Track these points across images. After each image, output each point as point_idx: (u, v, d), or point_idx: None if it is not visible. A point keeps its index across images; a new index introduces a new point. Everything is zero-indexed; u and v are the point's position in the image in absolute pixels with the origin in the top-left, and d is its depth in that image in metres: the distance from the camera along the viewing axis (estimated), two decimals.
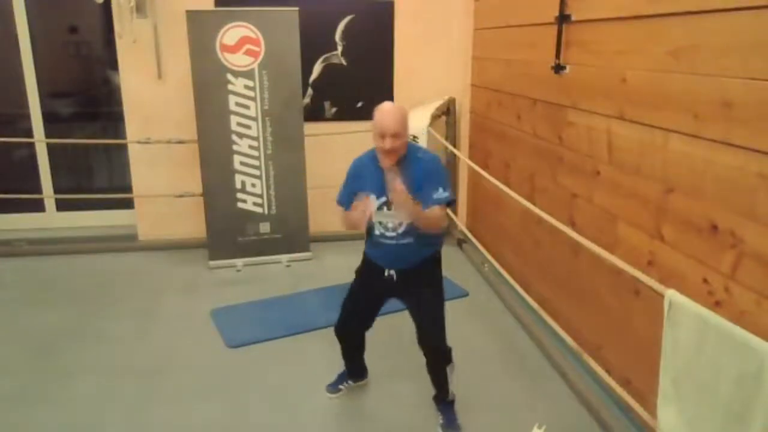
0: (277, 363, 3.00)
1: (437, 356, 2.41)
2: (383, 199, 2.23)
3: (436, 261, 2.45)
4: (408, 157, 2.24)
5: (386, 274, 2.38)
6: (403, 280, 2.38)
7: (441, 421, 2.50)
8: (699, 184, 2.06)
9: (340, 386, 2.75)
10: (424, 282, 2.40)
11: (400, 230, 2.28)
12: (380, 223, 2.30)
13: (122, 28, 4.14)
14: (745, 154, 1.84)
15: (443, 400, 2.52)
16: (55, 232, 4.69)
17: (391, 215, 2.25)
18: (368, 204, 2.13)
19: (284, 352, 3.11)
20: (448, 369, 2.44)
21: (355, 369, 2.76)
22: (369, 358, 2.83)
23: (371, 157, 2.30)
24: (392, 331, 3.04)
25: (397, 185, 2.02)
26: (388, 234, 2.30)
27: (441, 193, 2.19)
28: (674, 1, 2.15)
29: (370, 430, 2.55)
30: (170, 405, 2.66)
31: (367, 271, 2.47)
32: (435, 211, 2.18)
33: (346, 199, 2.31)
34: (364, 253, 2.49)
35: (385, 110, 2.16)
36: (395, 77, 4.62)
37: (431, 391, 2.56)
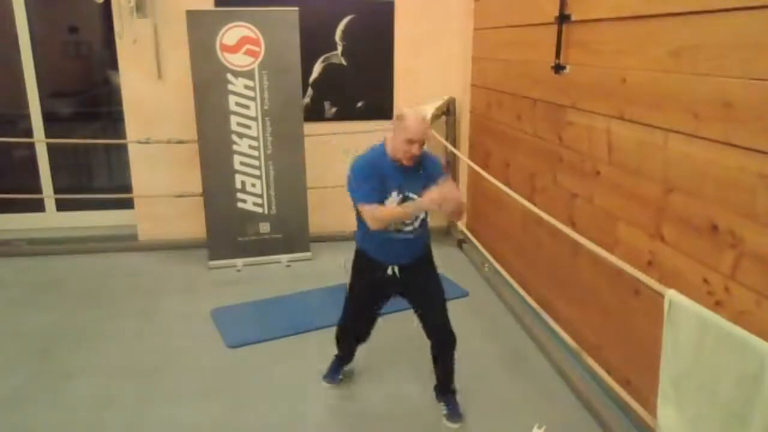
0: (277, 363, 3.00)
1: (450, 341, 2.48)
2: (401, 195, 2.32)
3: (429, 251, 2.56)
4: (425, 160, 2.39)
5: (390, 271, 2.43)
6: (405, 274, 2.45)
7: (445, 411, 2.54)
8: (699, 184, 2.06)
9: (340, 376, 2.80)
10: (428, 271, 2.50)
11: (417, 224, 2.39)
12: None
13: (122, 28, 4.14)
14: (745, 154, 1.84)
15: (448, 390, 2.56)
16: (55, 232, 4.69)
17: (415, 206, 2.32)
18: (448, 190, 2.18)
19: (284, 352, 3.11)
20: (455, 355, 2.51)
21: (350, 356, 2.82)
22: (369, 358, 2.83)
23: (382, 155, 2.35)
24: (393, 331, 3.04)
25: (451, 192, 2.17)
26: (407, 229, 2.38)
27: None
28: (674, 1, 2.15)
29: (371, 430, 2.55)
30: (170, 405, 2.66)
31: (369, 270, 2.48)
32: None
33: (374, 196, 2.29)
34: (362, 252, 2.50)
35: (415, 119, 2.26)
36: (395, 77, 4.62)
37: (432, 390, 2.56)
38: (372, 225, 2.26)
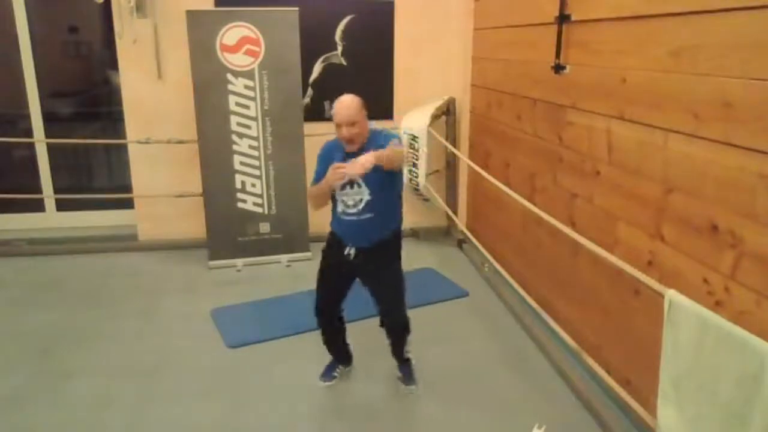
0: (277, 363, 3.00)
1: (399, 332, 2.67)
2: (346, 179, 2.37)
3: (394, 241, 2.61)
4: (372, 141, 2.44)
5: (346, 251, 2.53)
6: (362, 259, 2.52)
7: (398, 375, 2.79)
8: (699, 184, 2.06)
9: (334, 373, 2.84)
10: (382, 264, 2.57)
11: (360, 206, 2.45)
12: (342, 200, 2.48)
13: (122, 28, 4.14)
14: (745, 154, 1.84)
15: (401, 360, 2.78)
16: (55, 232, 4.69)
17: (353, 193, 2.45)
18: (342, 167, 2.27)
19: (284, 352, 3.11)
20: (408, 338, 2.70)
21: (341, 356, 2.86)
22: (368, 358, 2.83)
23: (337, 143, 2.51)
24: None
25: (360, 159, 2.23)
26: (349, 211, 2.48)
27: (395, 141, 2.45)
28: (674, 1, 2.15)
29: (371, 430, 2.55)
30: (170, 405, 2.66)
31: (330, 247, 2.63)
32: (391, 146, 2.37)
33: (321, 177, 2.46)
34: (331, 232, 2.63)
35: (340, 102, 2.41)
36: (395, 77, 4.62)
37: (432, 390, 2.58)
38: (309, 203, 2.48)
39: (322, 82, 4.51)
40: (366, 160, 2.20)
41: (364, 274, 2.60)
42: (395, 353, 2.76)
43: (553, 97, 3.13)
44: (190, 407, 2.65)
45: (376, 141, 2.44)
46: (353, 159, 2.28)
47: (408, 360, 2.79)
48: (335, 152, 2.49)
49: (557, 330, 2.84)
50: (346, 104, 2.39)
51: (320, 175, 2.46)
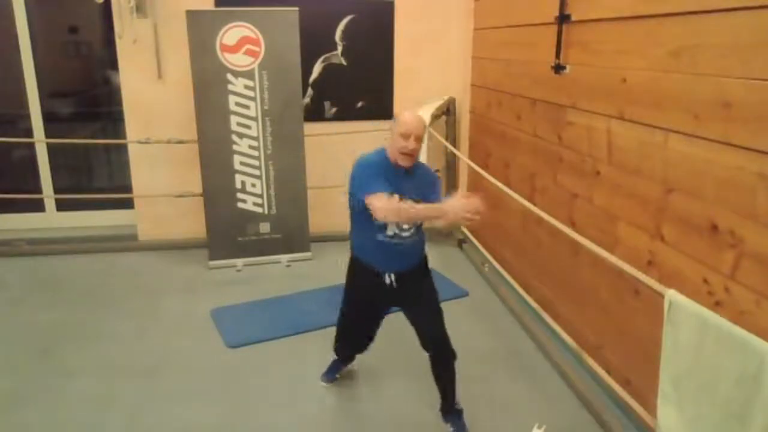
0: (277, 363, 3.00)
1: (448, 355, 2.39)
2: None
3: (426, 259, 2.49)
4: (416, 165, 2.34)
5: (387, 279, 2.34)
6: (401, 283, 2.36)
7: (452, 430, 2.46)
8: (699, 184, 2.06)
9: (337, 375, 2.81)
10: (424, 281, 2.43)
11: (413, 228, 2.31)
12: (396, 223, 2.27)
13: (122, 28, 4.14)
14: (745, 154, 1.84)
15: (452, 410, 2.47)
16: (55, 232, 4.68)
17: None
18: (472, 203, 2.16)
19: (284, 352, 3.11)
20: (455, 366, 2.41)
21: (349, 358, 2.83)
22: (369, 358, 2.83)
23: (384, 158, 2.28)
24: (392, 331, 3.03)
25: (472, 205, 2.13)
26: (404, 234, 2.29)
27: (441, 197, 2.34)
28: (674, 1, 2.15)
29: (370, 430, 2.55)
30: (170, 405, 2.66)
31: (359, 276, 2.44)
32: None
33: (385, 188, 2.19)
34: (356, 259, 2.43)
35: (411, 114, 2.27)
36: (395, 77, 4.62)
37: (432, 391, 2.56)
38: (383, 215, 2.12)
39: (322, 82, 4.51)
40: (476, 208, 2.11)
41: (405, 301, 2.42)
42: (445, 396, 2.45)
43: (553, 97, 3.13)
44: (190, 407, 2.64)
45: (418, 167, 2.34)
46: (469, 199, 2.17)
47: (461, 411, 2.47)
48: (385, 171, 2.24)
49: (557, 330, 2.84)
50: (416, 118, 2.25)
51: (381, 187, 2.16)
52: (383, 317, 2.56)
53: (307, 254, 4.34)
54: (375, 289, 2.38)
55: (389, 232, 2.28)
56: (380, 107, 4.62)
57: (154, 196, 4.48)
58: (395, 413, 2.64)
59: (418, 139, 2.23)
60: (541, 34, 3.19)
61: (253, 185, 4.20)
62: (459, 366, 2.50)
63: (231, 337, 3.23)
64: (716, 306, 1.96)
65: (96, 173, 5.17)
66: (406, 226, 2.28)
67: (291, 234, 4.31)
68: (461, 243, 4.63)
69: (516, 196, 3.18)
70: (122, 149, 4.58)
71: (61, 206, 4.76)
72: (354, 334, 2.62)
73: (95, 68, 4.82)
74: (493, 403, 2.69)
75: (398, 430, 2.55)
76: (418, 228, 2.34)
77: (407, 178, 2.27)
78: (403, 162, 2.23)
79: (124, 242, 4.58)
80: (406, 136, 2.20)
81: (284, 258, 4.30)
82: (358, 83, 4.57)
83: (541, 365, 2.99)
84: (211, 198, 4.17)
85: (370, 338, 2.66)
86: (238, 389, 2.78)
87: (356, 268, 2.44)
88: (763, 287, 1.79)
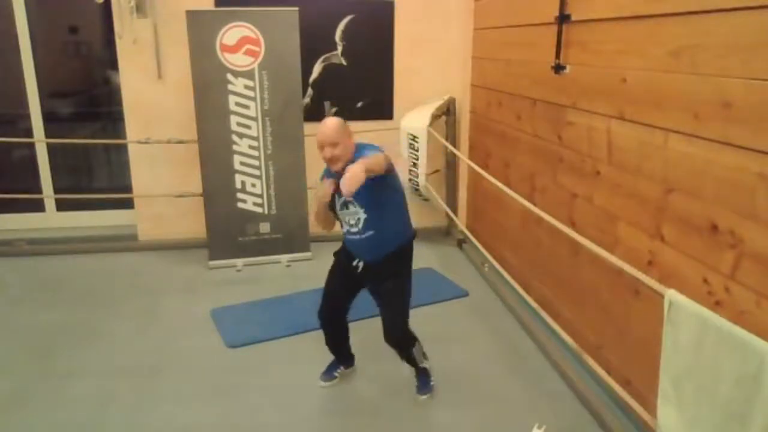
0: (277, 363, 3.00)
1: (400, 346, 2.63)
2: (342, 199, 2.44)
3: (401, 255, 2.58)
4: (357, 158, 2.38)
5: (354, 263, 2.56)
6: (368, 272, 2.55)
7: (416, 384, 2.75)
8: (699, 184, 2.06)
9: (335, 373, 2.84)
10: (386, 277, 2.54)
11: (360, 225, 2.47)
12: (345, 221, 2.51)
13: (122, 28, 4.14)
14: (745, 154, 1.84)
15: (418, 368, 2.74)
16: (55, 232, 4.69)
17: (351, 213, 2.48)
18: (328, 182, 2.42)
19: (284, 352, 3.11)
20: (413, 350, 2.65)
21: (343, 357, 2.86)
22: (369, 358, 2.82)
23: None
24: None
25: (346, 174, 2.17)
26: (352, 230, 2.51)
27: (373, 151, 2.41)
28: (674, 1, 2.15)
29: (370, 430, 2.55)
30: (170, 405, 2.66)
31: (341, 256, 2.68)
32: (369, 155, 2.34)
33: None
34: (342, 243, 2.68)
35: (322, 125, 2.41)
36: (395, 77, 4.62)
37: (436, 394, 2.59)
38: (318, 224, 2.62)
39: (322, 82, 4.51)
40: (353, 174, 2.11)
41: (369, 287, 2.62)
42: (407, 363, 2.72)
43: (553, 97, 3.13)
44: (190, 407, 2.64)
45: (361, 155, 2.39)
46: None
47: (422, 369, 2.75)
48: (328, 173, 2.52)
49: (557, 330, 2.84)
50: (326, 125, 2.40)
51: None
52: (354, 295, 2.66)
53: (307, 254, 4.34)
54: (348, 267, 2.60)
55: (345, 228, 2.56)
56: (380, 107, 4.62)
57: (154, 196, 4.48)
58: (395, 413, 2.64)
59: (333, 145, 2.36)
60: (541, 34, 3.19)
61: (253, 185, 4.20)
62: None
63: (231, 337, 3.23)
64: (716, 306, 1.96)
65: (96, 173, 5.17)
66: (352, 222, 2.48)
67: (291, 234, 4.31)
68: (461, 243, 4.63)
69: (516, 196, 3.18)
70: (122, 149, 4.58)
71: (61, 206, 4.76)
72: (325, 299, 2.68)
73: (95, 68, 4.82)
74: (492, 403, 2.69)
75: (398, 430, 2.55)
76: (370, 226, 2.45)
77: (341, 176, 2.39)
78: (333, 167, 2.42)
79: (124, 242, 4.58)
80: (320, 148, 2.39)
81: (284, 258, 4.30)
82: (358, 83, 4.58)
83: (541, 365, 2.99)
84: (211, 198, 4.17)
85: (345, 310, 2.70)
86: (237, 389, 2.78)
87: (341, 246, 2.71)
88: (763, 287, 1.79)
